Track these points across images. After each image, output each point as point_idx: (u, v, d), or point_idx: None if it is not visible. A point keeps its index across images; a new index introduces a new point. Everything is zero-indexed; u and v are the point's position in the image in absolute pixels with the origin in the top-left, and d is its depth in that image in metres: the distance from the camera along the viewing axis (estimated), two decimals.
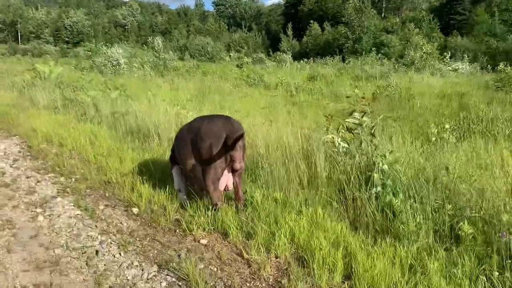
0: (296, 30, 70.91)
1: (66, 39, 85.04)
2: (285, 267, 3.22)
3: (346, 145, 4.92)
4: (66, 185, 5.26)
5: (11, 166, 6.02)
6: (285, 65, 25.60)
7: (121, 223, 4.20)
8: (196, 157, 3.91)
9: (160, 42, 27.17)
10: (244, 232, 3.66)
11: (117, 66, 20.10)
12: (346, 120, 5.24)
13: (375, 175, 4.03)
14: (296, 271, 3.04)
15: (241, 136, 3.68)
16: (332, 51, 48.00)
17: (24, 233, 3.93)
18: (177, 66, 23.05)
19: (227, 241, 3.63)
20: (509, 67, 12.80)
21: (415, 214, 3.44)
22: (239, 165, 3.77)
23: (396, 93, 14.45)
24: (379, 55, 32.32)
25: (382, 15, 69.23)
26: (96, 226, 4.15)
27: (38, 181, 5.42)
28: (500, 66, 13.05)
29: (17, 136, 7.81)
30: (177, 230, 3.92)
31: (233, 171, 3.88)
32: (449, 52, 30.74)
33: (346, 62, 26.07)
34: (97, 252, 3.62)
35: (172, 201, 4.38)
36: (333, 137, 4.97)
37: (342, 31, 56.64)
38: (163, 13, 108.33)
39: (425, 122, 8.27)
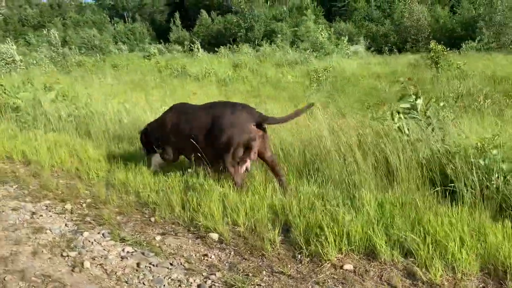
0: (184, 20, 69.02)
1: None
2: (481, 286, 2.60)
3: (407, 132, 4.48)
4: (81, 213, 4.00)
5: None
6: (197, 55, 24.54)
7: (205, 255, 3.20)
8: (212, 142, 4.08)
9: (57, 35, 24.12)
10: (394, 247, 2.93)
11: (12, 64, 17.33)
12: (400, 105, 4.80)
13: (485, 162, 3.61)
14: None
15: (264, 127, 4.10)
16: (225, 41, 47.53)
17: None
18: (81, 60, 20.65)
19: (380, 262, 2.86)
20: (439, 46, 13.49)
21: None
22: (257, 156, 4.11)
23: (331, 76, 14.51)
24: (283, 42, 32.54)
25: (269, 4, 70.33)
26: (171, 264, 3.11)
27: (34, 213, 4.06)
28: (432, 44, 13.69)
29: None
30: (298, 255, 3.05)
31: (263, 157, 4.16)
32: (346, 36, 32.16)
33: (257, 50, 25.99)
34: None
35: (259, 215, 3.47)
36: (400, 125, 4.46)
37: (234, 20, 56.43)
38: (32, 5, 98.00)
39: None
